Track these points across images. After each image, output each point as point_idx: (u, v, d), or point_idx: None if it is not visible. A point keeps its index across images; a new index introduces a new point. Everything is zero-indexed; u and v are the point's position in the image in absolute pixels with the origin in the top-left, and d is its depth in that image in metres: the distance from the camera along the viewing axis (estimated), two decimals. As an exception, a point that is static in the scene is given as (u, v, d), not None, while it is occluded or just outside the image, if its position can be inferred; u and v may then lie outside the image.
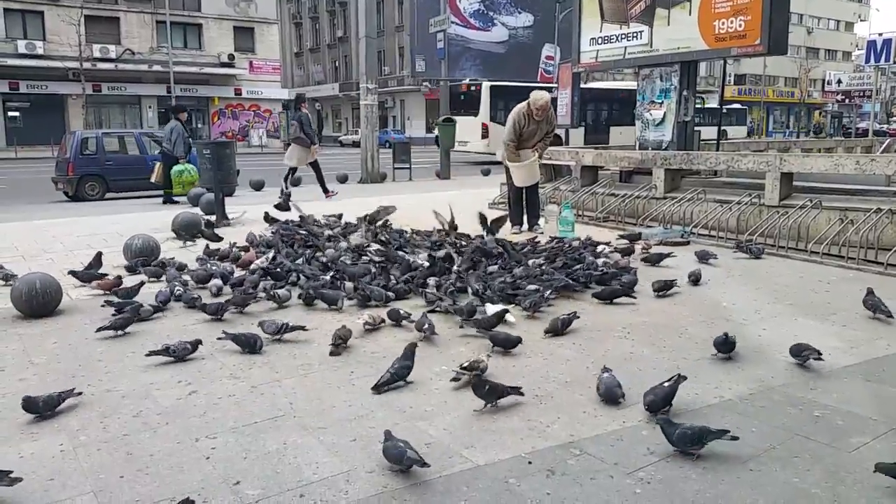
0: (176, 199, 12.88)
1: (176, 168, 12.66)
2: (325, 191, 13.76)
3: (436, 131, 18.87)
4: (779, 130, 67.13)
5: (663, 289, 5.56)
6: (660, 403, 3.30)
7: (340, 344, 4.30)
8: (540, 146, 8.50)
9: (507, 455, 2.94)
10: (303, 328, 4.60)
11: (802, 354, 4.00)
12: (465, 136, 20.45)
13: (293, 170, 13.68)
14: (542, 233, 8.33)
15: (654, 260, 6.64)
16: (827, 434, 3.15)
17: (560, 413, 3.38)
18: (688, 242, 7.58)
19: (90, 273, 6.12)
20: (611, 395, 3.43)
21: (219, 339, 4.34)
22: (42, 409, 3.35)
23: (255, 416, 3.36)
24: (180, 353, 4.13)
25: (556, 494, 2.64)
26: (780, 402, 3.53)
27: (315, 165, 13.73)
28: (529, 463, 2.88)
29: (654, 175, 9.41)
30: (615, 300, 5.37)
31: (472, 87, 24.75)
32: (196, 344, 4.21)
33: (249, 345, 4.25)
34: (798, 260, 6.91)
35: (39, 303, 5.12)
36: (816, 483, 2.72)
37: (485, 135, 22.21)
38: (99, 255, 6.58)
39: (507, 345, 4.23)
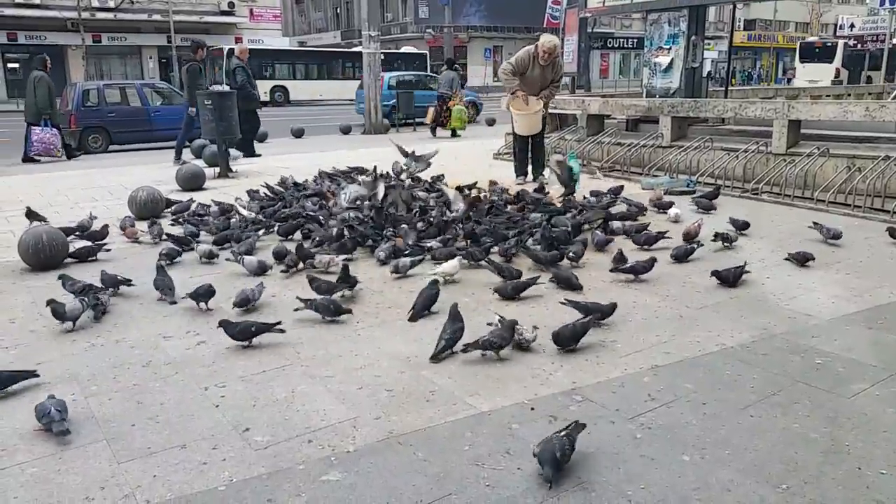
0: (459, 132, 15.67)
1: (457, 108, 15.60)
2: None
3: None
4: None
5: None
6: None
7: (292, 267, 4.95)
8: (546, 94, 8.36)
9: (510, 402, 2.99)
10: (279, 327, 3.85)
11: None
12: (819, 77, 30.11)
13: None
14: (546, 183, 8.27)
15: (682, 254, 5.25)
16: (828, 381, 3.19)
17: (563, 361, 3.43)
18: (693, 192, 7.53)
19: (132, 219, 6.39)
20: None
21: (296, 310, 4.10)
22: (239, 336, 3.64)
23: (263, 366, 3.41)
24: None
25: (559, 440, 2.69)
26: (781, 349, 3.56)
27: None
28: (532, 409, 2.93)
29: (661, 123, 9.31)
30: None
31: (828, 43, 34.83)
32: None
33: (329, 312, 4.03)
34: (803, 208, 6.87)
35: (46, 255, 5.16)
36: (815, 428, 2.77)
37: (836, 76, 31.53)
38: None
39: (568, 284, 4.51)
